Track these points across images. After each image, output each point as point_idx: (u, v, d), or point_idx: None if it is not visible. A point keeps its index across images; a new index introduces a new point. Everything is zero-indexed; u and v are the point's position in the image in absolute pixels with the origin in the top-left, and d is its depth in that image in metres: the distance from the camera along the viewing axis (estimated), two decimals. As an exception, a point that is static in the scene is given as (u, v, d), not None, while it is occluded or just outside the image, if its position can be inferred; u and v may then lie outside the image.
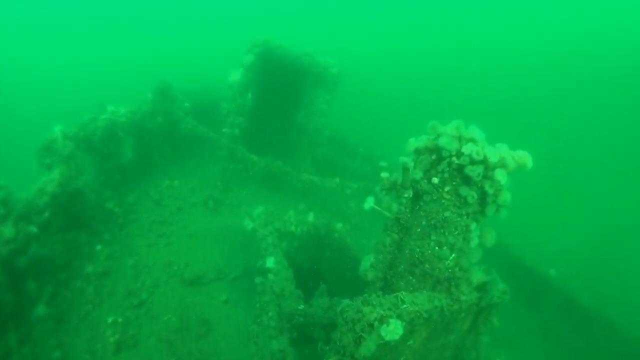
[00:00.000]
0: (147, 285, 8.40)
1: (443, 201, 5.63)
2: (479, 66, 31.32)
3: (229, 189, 10.95)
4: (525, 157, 5.52)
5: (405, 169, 5.57)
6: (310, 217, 9.61)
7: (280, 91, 11.80)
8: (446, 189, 5.55)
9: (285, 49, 10.89)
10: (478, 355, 7.16)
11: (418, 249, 5.90)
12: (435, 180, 5.56)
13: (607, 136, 22.78)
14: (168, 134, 11.75)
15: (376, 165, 13.70)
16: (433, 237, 5.78)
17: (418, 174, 5.59)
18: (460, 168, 5.41)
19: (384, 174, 5.94)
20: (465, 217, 5.75)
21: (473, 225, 5.86)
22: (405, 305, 5.42)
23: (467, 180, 5.50)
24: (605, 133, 23.07)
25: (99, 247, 9.11)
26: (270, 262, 7.79)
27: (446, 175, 5.51)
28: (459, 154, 5.33)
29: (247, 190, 11.16)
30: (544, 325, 10.98)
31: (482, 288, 6.41)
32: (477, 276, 6.28)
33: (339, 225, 9.67)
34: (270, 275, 7.68)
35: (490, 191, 5.56)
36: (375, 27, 45.28)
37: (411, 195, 5.76)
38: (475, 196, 5.54)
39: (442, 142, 5.31)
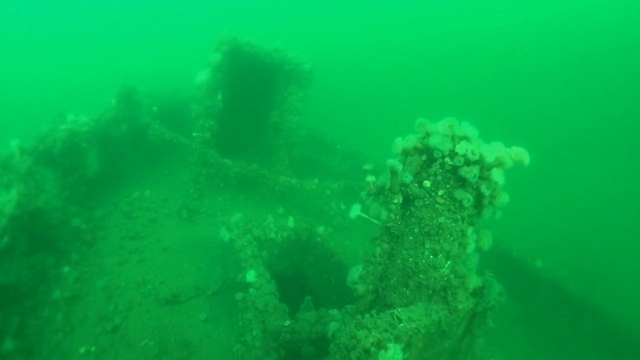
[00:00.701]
0: (121, 309, 7.65)
1: (436, 206, 5.04)
2: (453, 56, 30.85)
3: (203, 196, 10.19)
4: (522, 154, 4.96)
5: (394, 173, 4.96)
6: (291, 222, 8.95)
7: (252, 90, 11.06)
8: (439, 192, 4.96)
9: (254, 45, 10.13)
10: (474, 357, 6.68)
11: (411, 259, 5.32)
12: (427, 183, 4.96)
13: (584, 122, 22.63)
14: (135, 141, 10.91)
15: (355, 162, 13.22)
16: (427, 246, 5.20)
17: (408, 178, 4.98)
18: (455, 169, 4.83)
19: (370, 178, 5.32)
20: (461, 221, 5.19)
21: (469, 230, 5.31)
22: (402, 324, 4.83)
23: (462, 183, 4.93)
24: (582, 119, 22.92)
25: (66, 269, 8.34)
26: (250, 276, 7.12)
27: (439, 177, 4.92)
28: (453, 154, 4.74)
29: (222, 196, 10.40)
30: (531, 315, 10.62)
31: (478, 293, 5.89)
32: (473, 281, 5.74)
33: (320, 229, 9.04)
34: (251, 290, 7.02)
35: (487, 192, 5.00)
36: (350, 21, 44.35)
37: (401, 201, 5.17)
38: (472, 199, 4.97)
39: (434, 141, 4.71)
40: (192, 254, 8.79)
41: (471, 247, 5.40)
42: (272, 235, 8.53)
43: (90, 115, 10.20)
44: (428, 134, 4.86)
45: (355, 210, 5.36)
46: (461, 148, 4.67)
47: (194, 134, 9.81)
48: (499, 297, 6.12)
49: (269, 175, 9.99)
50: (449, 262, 5.36)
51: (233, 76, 10.26)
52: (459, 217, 5.11)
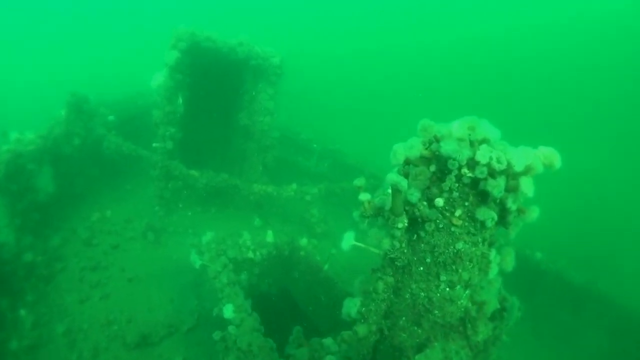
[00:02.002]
0: (86, 356, 6.34)
1: (453, 229, 3.84)
2: (443, 59, 29.56)
3: (171, 212, 8.82)
4: (552, 156, 3.75)
5: (396, 191, 3.72)
6: (270, 236, 7.70)
7: (217, 90, 9.66)
8: (457, 213, 3.75)
9: (216, 40, 8.70)
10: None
11: (423, 294, 4.12)
12: (440, 202, 3.74)
13: (579, 104, 21.81)
14: (91, 156, 9.41)
15: (333, 160, 11.97)
16: (443, 278, 4.00)
17: (414, 196, 3.75)
18: (475, 183, 3.62)
19: (363, 197, 4.07)
20: (482, 243, 4.01)
21: (492, 254, 4.13)
22: (421, 385, 3.68)
23: (484, 198, 3.74)
24: (573, 102, 22.11)
25: (22, 312, 7.04)
26: (228, 311, 5.86)
27: (455, 194, 3.70)
28: (473, 164, 3.53)
29: (192, 210, 9.05)
30: (534, 308, 9.67)
31: (497, 316, 4.76)
32: (492, 304, 4.60)
33: (303, 241, 7.82)
34: (231, 328, 5.75)
35: (514, 207, 3.81)
36: (330, 25, 42.39)
37: (406, 224, 3.95)
38: (496, 217, 3.79)
39: (447, 149, 3.48)
40: (161, 282, 7.46)
41: (493, 272, 4.23)
42: (250, 254, 7.27)
43: (37, 131, 8.69)
44: (437, 139, 3.63)
45: (348, 240, 4.14)
46: (483, 156, 3.46)
47: (154, 144, 8.40)
48: (517, 314, 5.03)
49: (241, 185, 8.67)
50: (467, 292, 4.19)
51: (194, 76, 8.84)
52: (479, 239, 3.93)
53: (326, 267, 7.15)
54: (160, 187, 8.52)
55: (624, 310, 8.73)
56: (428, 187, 3.80)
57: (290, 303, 8.23)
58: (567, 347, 8.94)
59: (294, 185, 8.89)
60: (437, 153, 3.67)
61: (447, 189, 3.68)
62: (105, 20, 43.09)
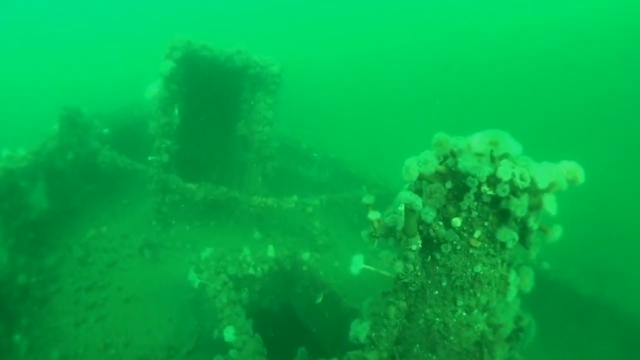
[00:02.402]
0: (81, 383, 5.96)
1: (471, 251, 3.52)
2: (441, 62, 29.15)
3: (168, 227, 8.47)
4: (576, 171, 3.43)
5: (410, 211, 3.40)
6: (271, 250, 7.36)
7: (215, 100, 9.34)
8: (476, 234, 3.43)
9: (212, 49, 8.39)
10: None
11: (438, 319, 3.79)
12: (458, 222, 3.43)
13: (578, 109, 21.48)
14: (86, 170, 9.07)
15: (335, 170, 11.64)
16: (460, 303, 3.68)
17: (429, 215, 3.43)
18: (496, 201, 3.31)
19: (373, 215, 3.75)
20: (501, 265, 3.70)
21: (512, 276, 3.81)
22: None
23: (504, 218, 3.42)
24: (575, 106, 21.77)
25: (17, 337, 6.65)
26: (229, 334, 5.52)
27: (474, 214, 3.39)
28: (494, 181, 3.21)
29: (191, 225, 8.70)
30: (543, 319, 9.34)
31: (513, 336, 4.43)
32: (509, 327, 4.27)
33: (305, 256, 7.46)
34: (232, 352, 5.41)
35: (535, 226, 3.51)
36: (315, 30, 41.92)
37: (420, 245, 3.63)
38: (517, 238, 3.47)
39: (466, 165, 3.16)
40: (159, 302, 7.11)
41: (512, 294, 3.91)
42: (251, 270, 6.93)
43: (30, 147, 8.37)
44: (454, 154, 3.31)
45: (358, 264, 3.81)
46: (505, 172, 3.14)
47: (149, 157, 8.06)
48: (533, 333, 4.71)
49: (240, 198, 8.34)
50: (485, 315, 3.87)
51: (191, 86, 8.52)
52: (498, 260, 3.62)
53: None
54: (157, 202, 8.17)
55: (634, 319, 8.44)
56: (444, 206, 3.48)
57: (294, 319, 7.89)
58: (577, 358, 8.65)
59: (295, 197, 8.56)
60: (453, 169, 3.36)
61: (466, 208, 3.36)
62: (99, 26, 42.26)
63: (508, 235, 3.41)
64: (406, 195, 3.24)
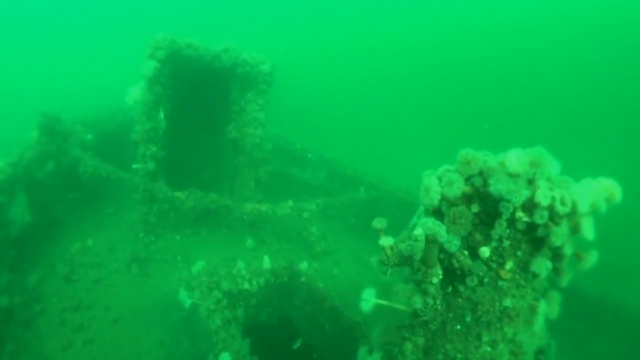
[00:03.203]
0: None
1: (500, 283, 3.03)
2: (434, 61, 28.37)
3: (158, 237, 7.91)
4: (614, 189, 2.94)
5: (432, 242, 2.90)
6: (266, 262, 6.86)
7: (203, 102, 8.74)
8: (507, 265, 2.95)
9: (198, 47, 7.77)
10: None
11: (460, 355, 3.31)
12: (486, 252, 2.94)
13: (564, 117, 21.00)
14: (68, 180, 8.46)
15: (330, 171, 11.11)
16: (485, 338, 3.20)
17: (453, 245, 2.93)
18: (532, 228, 2.82)
19: (385, 242, 3.24)
20: (531, 294, 3.23)
21: (541, 305, 3.35)
22: None
23: (539, 245, 2.94)
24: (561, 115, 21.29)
25: (2, 363, 6.09)
26: (224, 361, 5.00)
27: (506, 243, 2.90)
28: (531, 206, 2.72)
29: (181, 234, 8.14)
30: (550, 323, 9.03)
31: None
32: (532, 354, 3.83)
33: (303, 266, 6.99)
34: (228, 380, 4.90)
35: (569, 252, 3.04)
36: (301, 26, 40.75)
37: (441, 277, 3.14)
38: (551, 266, 3.01)
39: (500, 188, 2.66)
40: (149, 321, 6.57)
41: (540, 324, 3.44)
42: (246, 285, 6.41)
43: (7, 158, 7.75)
44: (484, 174, 2.81)
45: (369, 299, 3.29)
46: (544, 196, 2.66)
47: (134, 165, 7.47)
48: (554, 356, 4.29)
49: (232, 206, 7.79)
50: (510, 346, 3.40)
51: (176, 88, 7.91)
52: (528, 290, 3.15)
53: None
54: (143, 212, 7.59)
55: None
56: (470, 233, 2.99)
57: (293, 332, 7.42)
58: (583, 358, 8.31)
59: (290, 202, 8.04)
60: (482, 190, 2.86)
61: (497, 237, 2.87)
62: (82, 27, 40.69)
63: (543, 265, 2.93)
64: (429, 225, 2.73)
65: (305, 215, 7.98)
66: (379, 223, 3.23)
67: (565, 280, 3.24)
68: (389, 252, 3.20)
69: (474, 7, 39.45)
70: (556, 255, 3.06)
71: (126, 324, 6.53)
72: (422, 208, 3.20)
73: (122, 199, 8.97)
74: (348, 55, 29.82)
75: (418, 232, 3.11)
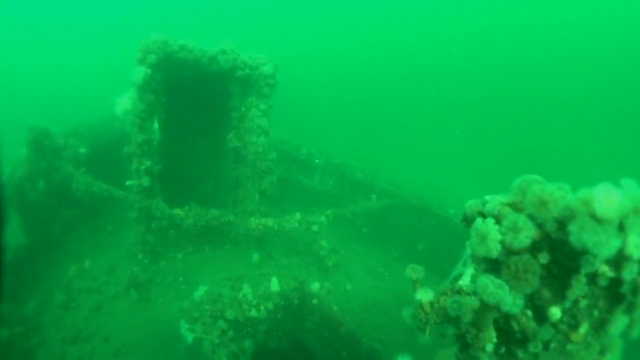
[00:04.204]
0: None
1: (569, 347, 2.39)
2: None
3: (158, 257, 7.29)
4: None
5: (489, 307, 2.25)
6: (274, 284, 6.25)
7: (201, 109, 8.07)
8: (582, 329, 2.30)
9: (192, 49, 7.08)
10: None
11: None
12: (557, 314, 2.28)
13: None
14: (62, 198, 7.86)
15: (339, 176, 10.40)
16: (548, 410, 2.56)
17: (515, 306, 2.28)
18: (616, 284, 2.17)
19: (424, 296, 2.59)
20: (597, 349, 2.59)
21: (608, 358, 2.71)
22: None
23: (618, 302, 2.29)
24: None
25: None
26: (231, 408, 4.40)
27: (582, 303, 2.25)
28: (619, 259, 2.07)
29: (182, 252, 7.52)
30: None
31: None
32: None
33: (315, 287, 6.34)
34: None
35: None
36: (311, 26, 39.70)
37: (495, 341, 2.50)
38: (625, 321, 2.36)
39: (586, 239, 1.99)
40: (152, 353, 5.96)
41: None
42: (253, 312, 5.79)
43: (-3, 176, 7.15)
44: (561, 217, 2.14)
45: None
46: (637, 247, 1.99)
47: (127, 182, 6.84)
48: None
49: (236, 222, 7.16)
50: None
51: (171, 94, 7.25)
52: (596, 347, 2.50)
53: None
54: (141, 232, 6.98)
55: None
56: (538, 290, 2.34)
57: (306, 356, 6.83)
58: None
59: (298, 215, 7.39)
60: (554, 237, 2.20)
61: (573, 296, 2.22)
62: (74, 27, 39.47)
63: (621, 324, 2.29)
64: (489, 289, 2.08)
65: (315, 228, 7.33)
66: (414, 272, 2.58)
67: (636, 331, 2.60)
68: (427, 308, 2.55)
69: (473, 9, 38.36)
70: (630, 305, 2.42)
71: (127, 357, 5.94)
72: (469, 252, 2.54)
73: (122, 215, 8.36)
74: (351, 55, 29.08)
75: (465, 283, 2.47)
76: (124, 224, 8.33)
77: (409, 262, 8.61)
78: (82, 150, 8.40)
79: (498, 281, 2.14)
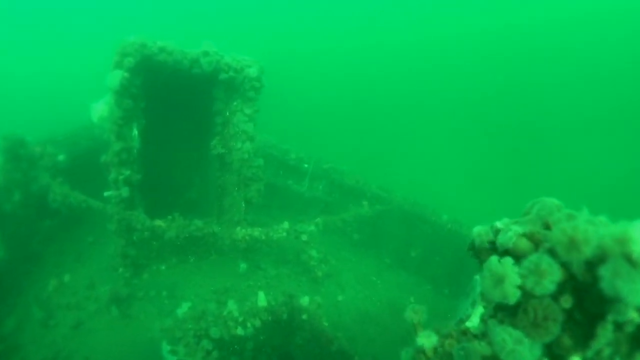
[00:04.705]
0: None
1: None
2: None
3: (141, 269, 6.91)
4: None
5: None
6: (261, 298, 5.92)
7: (183, 114, 7.67)
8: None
9: (173, 51, 6.66)
10: None
11: None
12: (581, 365, 1.98)
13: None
14: (41, 208, 7.43)
15: (329, 181, 10.03)
16: None
17: (533, 355, 1.97)
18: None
19: (426, 341, 2.25)
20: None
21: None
22: None
23: (637, 345, 2.00)
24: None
25: None
26: None
27: (607, 351, 1.93)
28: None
29: (166, 263, 7.13)
30: None
31: None
32: None
33: (304, 301, 6.00)
34: None
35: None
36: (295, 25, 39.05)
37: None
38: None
39: (619, 286, 1.65)
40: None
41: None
42: (239, 331, 5.44)
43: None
44: (591, 257, 1.82)
45: None
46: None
47: (105, 193, 6.43)
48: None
49: (221, 233, 6.79)
50: None
51: (151, 99, 6.83)
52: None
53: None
54: (121, 245, 6.58)
55: None
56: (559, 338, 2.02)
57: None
58: None
59: (286, 224, 7.04)
60: (581, 279, 1.88)
61: (597, 349, 1.91)
62: (54, 26, 38.08)
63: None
64: (508, 347, 1.75)
65: (304, 238, 6.99)
66: (415, 314, 2.25)
67: None
68: (430, 354, 2.22)
69: (471, 8, 38.01)
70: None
71: None
72: (478, 290, 2.22)
73: (104, 224, 7.94)
74: (343, 55, 28.63)
75: (474, 324, 2.16)
76: (105, 234, 7.91)
77: (402, 269, 8.28)
78: (61, 157, 7.95)
79: (516, 333, 1.81)
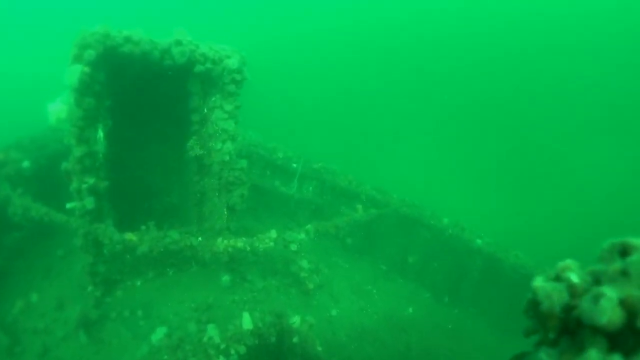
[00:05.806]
0: None
1: None
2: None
3: (112, 287, 6.15)
4: None
5: None
6: (246, 321, 5.16)
7: (155, 112, 6.84)
8: None
9: (139, 41, 5.77)
10: None
11: None
12: None
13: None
14: (2, 221, 6.63)
15: (319, 182, 9.26)
16: None
17: None
18: None
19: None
20: None
21: None
22: None
23: None
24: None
25: None
26: None
27: None
28: None
29: (142, 278, 6.38)
30: None
31: None
32: None
33: (295, 321, 5.28)
34: None
35: None
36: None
37: None
38: None
39: None
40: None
41: None
42: (222, 359, 4.73)
43: None
44: None
45: None
46: None
47: (68, 205, 5.65)
48: None
49: (199, 246, 6.04)
50: None
51: (117, 96, 6.01)
52: None
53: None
54: (89, 262, 5.82)
55: None
56: None
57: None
58: None
59: (274, 233, 6.30)
60: None
61: None
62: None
63: None
64: None
65: (293, 247, 6.27)
66: None
67: None
68: None
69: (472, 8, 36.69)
70: None
71: None
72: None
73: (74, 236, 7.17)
74: (327, 44, 27.56)
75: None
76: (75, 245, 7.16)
77: (399, 277, 7.54)
78: (26, 164, 7.16)
79: None
